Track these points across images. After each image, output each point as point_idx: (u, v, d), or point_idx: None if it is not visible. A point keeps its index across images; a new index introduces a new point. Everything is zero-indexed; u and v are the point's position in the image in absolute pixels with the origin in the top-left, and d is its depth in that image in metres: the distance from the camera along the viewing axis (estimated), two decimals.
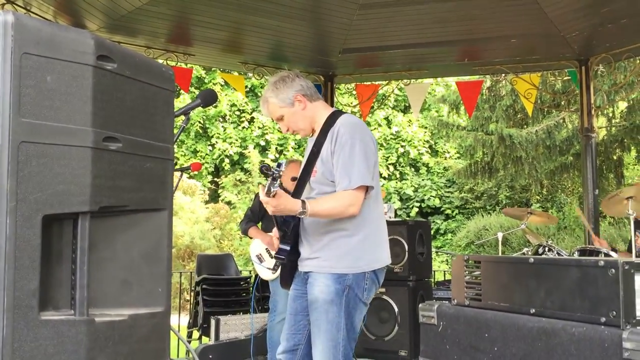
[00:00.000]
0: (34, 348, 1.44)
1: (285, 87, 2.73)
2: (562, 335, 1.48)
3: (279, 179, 2.40)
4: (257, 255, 4.92)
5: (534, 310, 1.65)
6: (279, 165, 2.37)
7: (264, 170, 2.36)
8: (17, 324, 1.42)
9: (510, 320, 1.65)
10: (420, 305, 1.93)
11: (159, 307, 1.78)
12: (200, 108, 3.05)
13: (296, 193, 2.73)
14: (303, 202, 2.51)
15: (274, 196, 2.41)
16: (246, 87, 16.43)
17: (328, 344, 2.55)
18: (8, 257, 1.41)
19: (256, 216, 4.93)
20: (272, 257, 4.70)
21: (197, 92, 14.02)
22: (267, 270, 4.81)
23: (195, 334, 6.53)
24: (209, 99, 3.05)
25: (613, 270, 1.44)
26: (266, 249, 4.85)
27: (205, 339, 6.31)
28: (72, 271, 1.58)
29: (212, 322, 5.70)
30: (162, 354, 1.78)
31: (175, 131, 2.60)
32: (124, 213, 1.72)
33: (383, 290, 5.59)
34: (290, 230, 2.71)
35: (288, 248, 2.71)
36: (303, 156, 2.93)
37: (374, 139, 2.72)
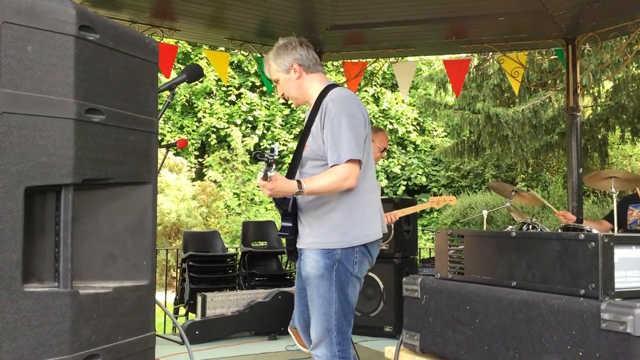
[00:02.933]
0: (18, 320, 1.44)
1: (285, 53, 2.75)
2: (541, 307, 1.50)
3: (274, 164, 2.40)
4: None
5: (515, 283, 1.67)
6: (272, 151, 2.37)
7: (258, 157, 2.36)
8: (0, 295, 1.41)
9: (491, 293, 1.67)
10: (404, 279, 1.95)
11: (144, 280, 1.78)
12: (186, 84, 3.03)
13: (291, 168, 2.75)
14: (299, 182, 2.51)
15: (269, 180, 2.42)
16: (232, 62, 16.28)
17: (321, 319, 2.58)
18: None
19: None
20: None
21: (182, 67, 13.81)
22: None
23: (182, 310, 6.56)
24: (194, 74, 3.01)
25: (593, 244, 1.46)
26: None
27: (191, 315, 6.34)
28: (55, 243, 1.57)
29: (199, 298, 5.73)
30: (146, 327, 1.79)
31: (160, 107, 2.58)
32: (107, 186, 1.71)
33: None
34: (290, 207, 2.72)
35: (290, 225, 2.74)
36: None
37: (365, 111, 2.70)
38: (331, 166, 2.57)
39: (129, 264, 1.75)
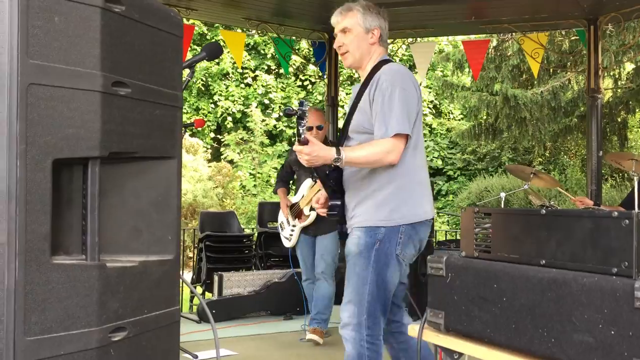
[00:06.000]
0: (47, 291, 1.44)
1: (375, 15, 2.65)
2: (572, 285, 1.48)
3: (306, 118, 2.34)
4: (280, 224, 5.06)
5: (544, 262, 1.64)
6: (301, 104, 2.31)
7: (288, 112, 2.31)
8: (29, 267, 1.41)
9: (520, 272, 1.65)
10: (428, 257, 1.94)
11: (169, 254, 1.78)
12: (202, 66, 3.00)
13: (337, 144, 2.63)
14: (338, 149, 2.41)
15: (306, 143, 2.35)
16: (248, 44, 16.20)
17: (353, 298, 2.49)
18: (19, 200, 1.39)
19: (289, 168, 4.98)
20: (289, 225, 4.88)
21: (199, 49, 13.72)
22: (284, 239, 4.98)
23: (199, 289, 6.61)
24: (214, 52, 2.99)
25: (627, 221, 1.43)
26: (287, 218, 4.93)
27: (208, 295, 6.38)
28: (82, 217, 1.57)
29: (215, 278, 5.76)
30: (172, 301, 1.79)
31: None
32: (133, 160, 1.70)
33: None
34: (336, 184, 2.64)
35: (339, 203, 2.64)
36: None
37: (418, 88, 2.59)
38: (376, 139, 2.47)
39: (154, 238, 1.75)
